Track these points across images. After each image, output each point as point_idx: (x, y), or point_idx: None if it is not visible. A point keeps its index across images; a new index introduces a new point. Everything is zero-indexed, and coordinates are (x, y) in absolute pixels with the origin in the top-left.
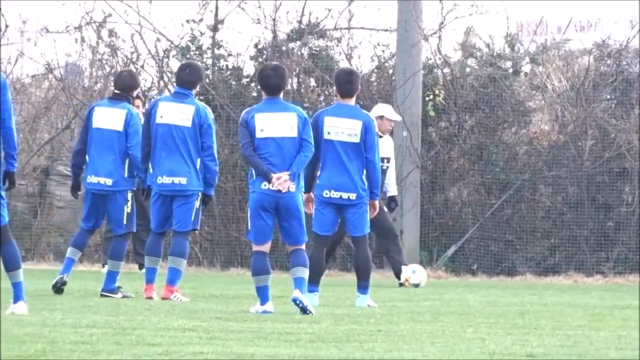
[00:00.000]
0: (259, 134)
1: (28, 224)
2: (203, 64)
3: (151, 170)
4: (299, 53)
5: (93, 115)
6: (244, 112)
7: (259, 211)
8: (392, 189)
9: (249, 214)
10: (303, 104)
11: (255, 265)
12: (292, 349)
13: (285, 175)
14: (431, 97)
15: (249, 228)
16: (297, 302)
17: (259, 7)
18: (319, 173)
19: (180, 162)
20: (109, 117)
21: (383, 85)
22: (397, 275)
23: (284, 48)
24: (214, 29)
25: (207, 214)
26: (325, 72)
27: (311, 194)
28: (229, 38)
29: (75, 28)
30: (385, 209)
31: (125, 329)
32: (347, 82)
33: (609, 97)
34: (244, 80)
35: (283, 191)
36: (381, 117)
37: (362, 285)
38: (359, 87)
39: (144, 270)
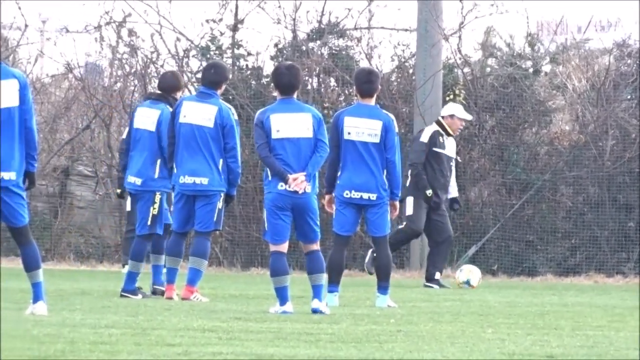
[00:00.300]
0: (274, 135)
1: (48, 224)
2: None
3: (175, 170)
4: (319, 53)
5: (135, 115)
6: (258, 112)
7: (276, 211)
8: (454, 190)
9: (265, 215)
10: (323, 104)
11: (273, 266)
12: (312, 349)
13: (301, 176)
14: (451, 97)
15: (266, 229)
16: (318, 312)
17: (279, 6)
18: (339, 173)
19: (203, 163)
20: (145, 118)
21: (403, 85)
22: (428, 278)
23: (303, 48)
24: (234, 28)
25: (227, 214)
26: (346, 71)
27: (332, 194)
28: (248, 38)
29: (95, 28)
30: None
31: (144, 329)
32: (366, 82)
33: (629, 97)
34: (264, 80)
35: (300, 192)
36: (452, 116)
37: (382, 286)
38: (379, 86)
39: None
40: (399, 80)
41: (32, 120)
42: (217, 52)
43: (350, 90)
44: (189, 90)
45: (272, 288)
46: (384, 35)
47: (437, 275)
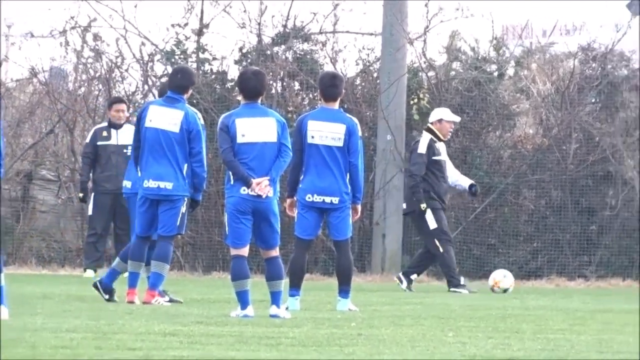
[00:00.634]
0: (240, 139)
1: (10, 228)
2: None
3: (139, 174)
4: (284, 57)
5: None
6: (223, 116)
7: (237, 215)
8: (464, 179)
9: (226, 219)
10: (287, 108)
11: (234, 270)
12: (273, 353)
13: (265, 181)
14: (416, 100)
15: (227, 233)
16: (277, 318)
17: (244, 11)
18: (302, 177)
19: (167, 167)
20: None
21: (368, 89)
22: (406, 273)
23: (268, 52)
24: (199, 33)
25: (189, 217)
26: (310, 75)
27: (294, 198)
28: (213, 42)
29: (60, 32)
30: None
31: (105, 333)
32: (330, 86)
33: (593, 100)
34: (229, 85)
35: (263, 196)
36: (440, 121)
37: (344, 289)
38: (343, 90)
39: (126, 275)
40: (363, 84)
41: None
42: (182, 56)
43: (315, 94)
44: (153, 95)
45: (233, 292)
46: (349, 39)
47: (414, 277)
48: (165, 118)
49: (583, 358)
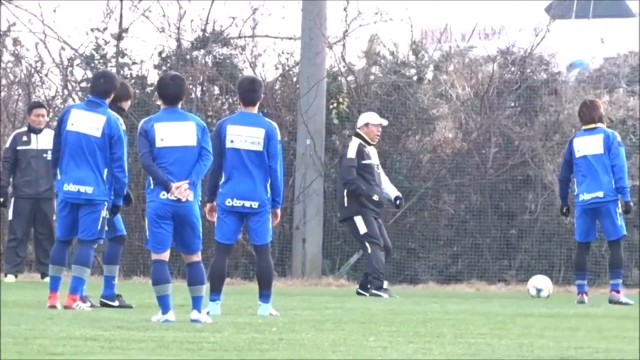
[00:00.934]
0: (158, 143)
1: None
2: None
3: (59, 177)
4: (203, 61)
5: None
6: (142, 121)
7: (157, 220)
8: (392, 189)
9: (147, 224)
10: (207, 112)
11: (155, 275)
12: (194, 357)
13: (184, 184)
14: (335, 105)
15: (148, 237)
16: (197, 323)
17: (164, 15)
18: (222, 181)
19: (88, 172)
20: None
21: (287, 93)
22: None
23: (188, 56)
24: (119, 37)
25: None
26: (229, 80)
27: (214, 202)
28: (133, 46)
29: None
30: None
31: (27, 338)
32: (249, 91)
33: (513, 104)
34: (148, 89)
35: (183, 200)
36: (366, 125)
37: (264, 294)
38: (262, 95)
39: (47, 279)
40: (282, 88)
41: None
42: (101, 60)
43: (234, 99)
44: (73, 99)
45: (154, 296)
46: (268, 43)
47: (386, 284)
48: (87, 122)
49: None
